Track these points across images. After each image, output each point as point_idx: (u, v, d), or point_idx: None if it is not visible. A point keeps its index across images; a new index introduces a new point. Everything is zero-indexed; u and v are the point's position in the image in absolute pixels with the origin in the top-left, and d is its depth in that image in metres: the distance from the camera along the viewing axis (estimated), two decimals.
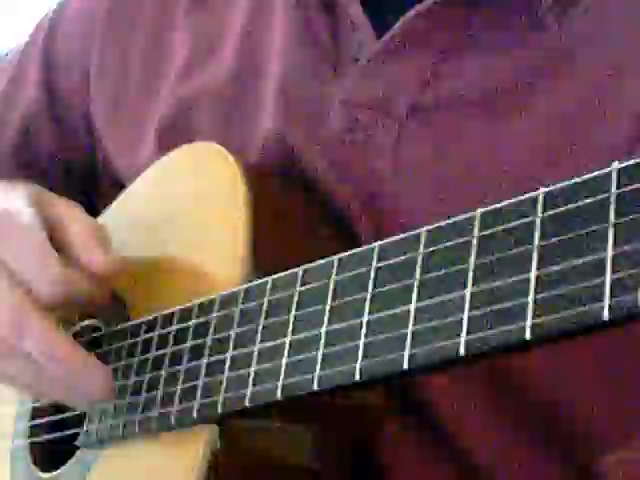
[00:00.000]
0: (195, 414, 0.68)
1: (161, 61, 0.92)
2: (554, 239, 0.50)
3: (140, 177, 0.87)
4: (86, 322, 0.86)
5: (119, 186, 0.93)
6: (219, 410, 0.67)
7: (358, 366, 0.58)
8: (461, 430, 0.73)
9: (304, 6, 0.83)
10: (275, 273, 0.67)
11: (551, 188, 0.51)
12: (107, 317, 0.83)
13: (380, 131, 0.77)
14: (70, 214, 0.78)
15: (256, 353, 0.65)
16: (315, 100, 0.80)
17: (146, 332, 0.75)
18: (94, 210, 0.94)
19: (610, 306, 0.46)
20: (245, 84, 0.86)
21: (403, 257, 0.58)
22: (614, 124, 0.72)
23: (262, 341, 0.65)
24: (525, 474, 0.74)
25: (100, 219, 0.91)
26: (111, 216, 0.90)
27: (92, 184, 1.01)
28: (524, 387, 0.72)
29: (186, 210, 0.80)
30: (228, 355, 0.67)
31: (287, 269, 0.66)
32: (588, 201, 0.49)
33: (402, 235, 0.59)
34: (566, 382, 0.72)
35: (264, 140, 0.81)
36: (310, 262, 0.65)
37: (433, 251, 0.56)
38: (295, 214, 0.78)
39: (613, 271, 0.47)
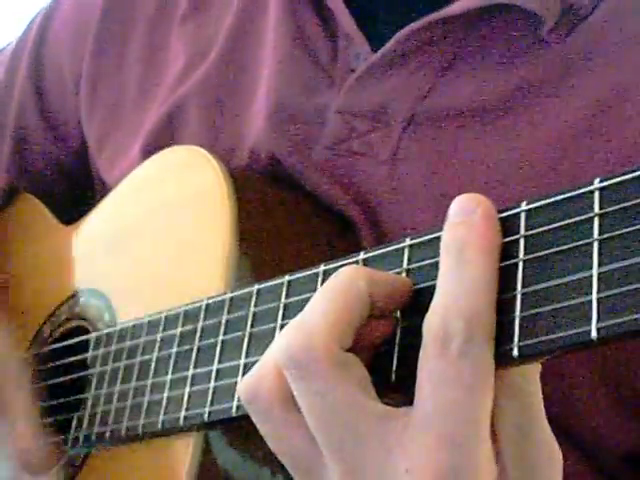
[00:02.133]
0: (182, 422, 0.68)
1: (156, 76, 0.91)
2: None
3: (125, 180, 0.87)
4: (74, 324, 0.86)
5: (107, 188, 0.93)
6: (205, 419, 0.66)
7: None
8: None
9: (298, 13, 0.82)
10: (268, 275, 0.67)
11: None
12: (95, 318, 0.83)
13: (377, 141, 0.77)
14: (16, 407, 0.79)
15: (242, 365, 0.65)
16: (309, 108, 0.79)
17: (132, 338, 0.75)
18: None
19: None
20: (232, 86, 0.85)
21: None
22: (615, 143, 0.71)
23: (248, 352, 0.65)
24: None
25: (86, 222, 0.90)
26: (96, 219, 0.90)
27: (88, 184, 1.00)
28: None
29: (171, 213, 0.80)
30: (214, 367, 0.67)
31: (282, 271, 0.65)
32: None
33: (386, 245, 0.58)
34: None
35: (253, 146, 0.81)
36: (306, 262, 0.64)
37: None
38: (289, 213, 0.78)
39: None
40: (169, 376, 0.70)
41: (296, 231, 0.76)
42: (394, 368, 0.53)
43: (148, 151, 0.86)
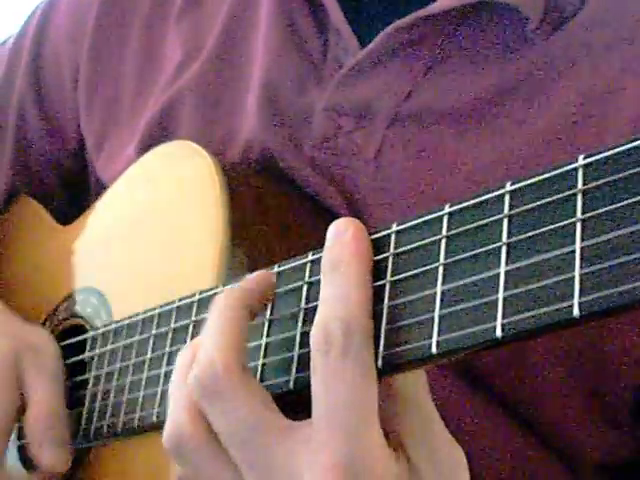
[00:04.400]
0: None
1: (153, 72, 0.91)
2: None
3: (119, 178, 0.87)
4: (72, 323, 0.86)
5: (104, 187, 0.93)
6: None
7: None
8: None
9: (290, 7, 0.81)
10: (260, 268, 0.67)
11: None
12: (93, 317, 0.83)
13: (362, 139, 0.76)
14: (35, 389, 0.80)
15: None
16: (298, 105, 0.79)
17: (127, 336, 0.75)
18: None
19: None
20: (226, 81, 0.85)
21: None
22: (598, 142, 0.70)
23: None
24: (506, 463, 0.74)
25: (82, 221, 0.90)
26: (92, 218, 0.90)
27: (85, 185, 1.01)
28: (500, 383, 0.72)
29: (164, 209, 0.80)
30: None
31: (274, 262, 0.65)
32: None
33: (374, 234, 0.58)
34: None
35: (246, 142, 0.81)
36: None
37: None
38: (281, 207, 0.78)
39: None
40: (163, 369, 0.70)
41: (289, 225, 0.76)
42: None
43: (143, 149, 0.86)
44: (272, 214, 0.76)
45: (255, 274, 0.61)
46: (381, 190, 0.75)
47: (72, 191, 1.03)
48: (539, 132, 0.73)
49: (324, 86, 0.78)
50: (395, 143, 0.75)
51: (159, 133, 0.86)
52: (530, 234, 0.49)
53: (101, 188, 0.93)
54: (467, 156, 0.74)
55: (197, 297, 0.69)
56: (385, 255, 0.55)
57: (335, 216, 0.75)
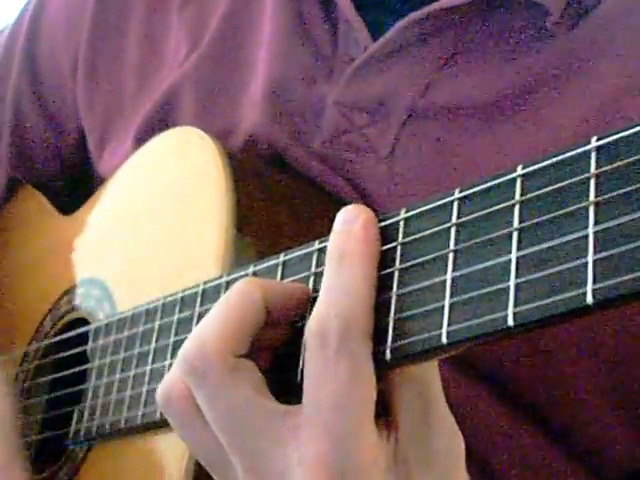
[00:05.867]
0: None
1: (156, 65, 0.90)
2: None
3: (121, 167, 0.85)
4: (74, 315, 0.85)
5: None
6: None
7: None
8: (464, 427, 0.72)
9: None
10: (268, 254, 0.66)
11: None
12: (95, 309, 0.81)
13: (375, 136, 0.74)
14: None
15: None
16: (307, 98, 0.77)
17: (130, 327, 0.73)
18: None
19: None
20: (227, 69, 0.83)
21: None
22: None
23: None
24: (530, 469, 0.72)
25: (83, 211, 0.89)
26: (94, 208, 0.88)
27: (87, 175, 0.99)
28: (528, 387, 0.71)
29: (167, 197, 0.79)
30: None
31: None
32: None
33: (383, 221, 0.56)
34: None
35: (251, 132, 0.79)
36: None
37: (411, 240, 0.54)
38: (288, 196, 0.76)
39: None
40: (167, 362, 0.68)
41: (297, 212, 0.74)
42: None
43: (141, 139, 0.84)
44: (279, 200, 0.75)
45: (293, 287, 0.58)
46: (395, 188, 0.73)
47: (73, 180, 1.02)
48: (563, 128, 0.70)
49: (334, 79, 0.76)
50: (410, 140, 0.73)
51: (157, 124, 0.85)
52: (542, 219, 0.47)
53: (102, 179, 0.92)
54: (487, 153, 0.72)
55: (201, 287, 0.67)
56: (394, 244, 0.54)
57: (345, 203, 0.74)
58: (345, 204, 0.74)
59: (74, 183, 1.01)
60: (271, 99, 0.78)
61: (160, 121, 0.85)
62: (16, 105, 1.00)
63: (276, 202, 0.74)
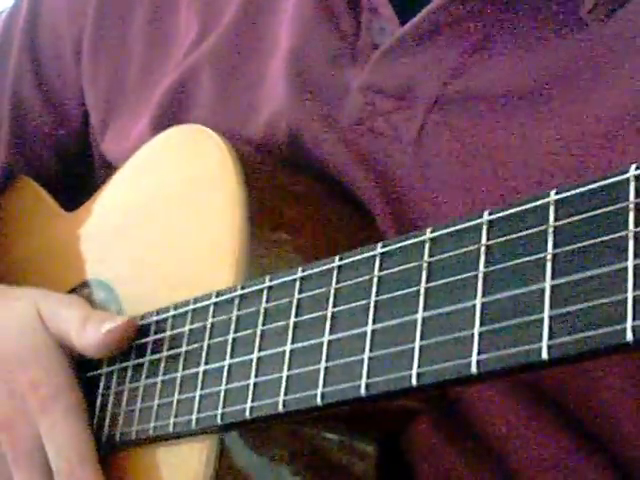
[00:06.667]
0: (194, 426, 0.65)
1: (165, 46, 0.88)
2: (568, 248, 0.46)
3: (128, 163, 0.83)
4: None
5: (111, 167, 0.89)
6: (218, 422, 0.63)
7: (363, 382, 0.54)
8: (493, 430, 0.70)
9: None
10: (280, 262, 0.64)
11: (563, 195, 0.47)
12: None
13: (401, 122, 0.73)
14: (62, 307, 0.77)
15: (254, 363, 0.61)
16: (331, 83, 0.76)
17: (140, 337, 0.72)
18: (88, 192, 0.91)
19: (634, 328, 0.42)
20: (247, 54, 0.81)
21: (406, 265, 0.54)
22: None
23: (261, 349, 0.61)
24: (558, 474, 0.71)
25: (88, 209, 0.87)
26: (99, 206, 0.86)
27: (85, 165, 0.97)
28: (556, 389, 0.69)
29: (177, 199, 0.76)
30: (225, 363, 0.63)
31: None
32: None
33: (404, 239, 0.55)
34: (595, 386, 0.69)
35: (271, 116, 0.77)
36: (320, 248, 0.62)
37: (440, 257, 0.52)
38: (302, 199, 0.74)
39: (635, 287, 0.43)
40: (179, 373, 0.67)
41: (311, 219, 0.72)
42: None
43: (157, 124, 0.83)
44: (292, 203, 0.73)
45: None
46: (420, 176, 0.71)
47: (71, 172, 1.00)
48: (596, 121, 0.68)
49: (360, 64, 0.75)
50: (437, 127, 0.72)
51: (174, 107, 0.83)
52: (577, 246, 0.46)
53: (106, 169, 0.90)
54: (516, 142, 0.70)
55: (213, 300, 0.66)
56: (418, 263, 0.53)
57: (361, 203, 0.72)
58: (363, 203, 0.73)
59: (71, 176, 1.00)
60: (294, 83, 0.77)
61: (177, 104, 0.83)
62: (16, 87, 0.99)
63: (289, 203, 0.72)
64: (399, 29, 0.73)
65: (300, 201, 0.73)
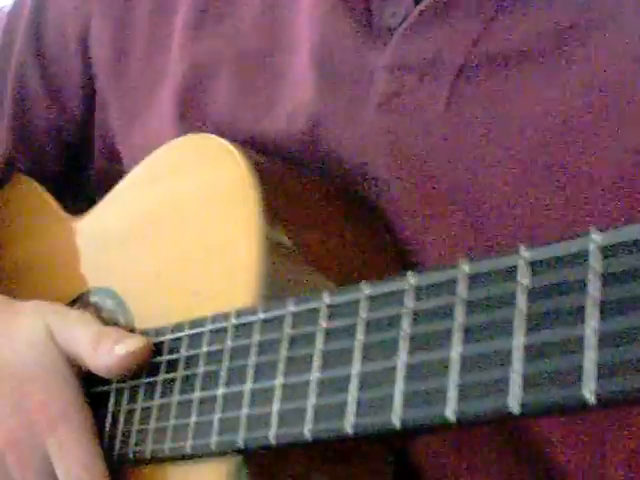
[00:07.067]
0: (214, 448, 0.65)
1: (168, 15, 0.88)
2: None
3: (139, 167, 0.82)
4: None
5: (115, 162, 0.90)
6: (240, 446, 0.63)
7: (397, 416, 0.54)
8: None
9: None
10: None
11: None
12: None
13: (428, 95, 0.73)
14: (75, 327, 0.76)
15: (279, 389, 0.61)
16: (355, 69, 0.76)
17: (154, 355, 0.71)
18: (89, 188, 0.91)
19: None
20: (269, 51, 0.82)
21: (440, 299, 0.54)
22: None
23: (286, 374, 0.61)
24: None
25: (95, 213, 0.86)
26: (108, 211, 0.85)
27: (88, 161, 0.97)
28: None
29: (190, 208, 0.75)
30: (247, 388, 0.63)
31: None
32: None
33: (438, 273, 0.55)
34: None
35: (294, 107, 0.78)
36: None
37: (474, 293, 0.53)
38: (318, 212, 0.74)
39: None
40: (196, 394, 0.67)
41: (330, 238, 0.72)
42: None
43: (176, 123, 0.83)
44: (311, 221, 0.72)
45: None
46: (451, 143, 0.72)
47: (71, 170, 0.99)
48: (619, 72, 0.70)
49: (380, 45, 0.76)
50: (464, 93, 0.73)
51: (194, 98, 0.83)
52: (624, 296, 0.46)
53: (109, 161, 0.90)
54: (542, 98, 0.71)
55: (233, 322, 0.65)
56: (451, 299, 0.53)
57: (372, 207, 0.72)
58: (366, 205, 0.73)
59: (71, 174, 0.99)
60: (319, 71, 0.78)
61: (196, 94, 0.83)
62: (19, 77, 0.98)
63: (306, 221, 0.72)
64: (414, 8, 0.74)
65: (318, 220, 0.73)
